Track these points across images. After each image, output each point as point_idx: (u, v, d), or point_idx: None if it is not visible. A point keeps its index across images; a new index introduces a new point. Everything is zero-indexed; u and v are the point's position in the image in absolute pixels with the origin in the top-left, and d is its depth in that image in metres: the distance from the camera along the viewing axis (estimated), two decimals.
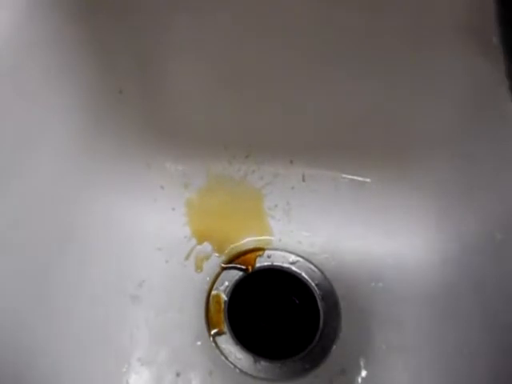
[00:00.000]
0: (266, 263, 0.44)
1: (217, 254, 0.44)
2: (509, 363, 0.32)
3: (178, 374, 0.38)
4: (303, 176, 0.48)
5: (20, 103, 0.32)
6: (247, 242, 0.45)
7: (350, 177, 0.47)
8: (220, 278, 0.43)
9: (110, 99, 0.41)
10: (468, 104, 0.39)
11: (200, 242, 0.45)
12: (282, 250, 0.44)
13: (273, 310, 0.42)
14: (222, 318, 0.41)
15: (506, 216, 0.36)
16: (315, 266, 0.43)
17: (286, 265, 0.44)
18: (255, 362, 0.39)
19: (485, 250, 0.37)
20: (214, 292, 0.42)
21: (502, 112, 0.36)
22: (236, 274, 0.43)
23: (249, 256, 0.44)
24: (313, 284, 0.43)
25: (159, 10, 0.37)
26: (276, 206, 0.47)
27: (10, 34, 0.30)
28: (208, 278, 0.42)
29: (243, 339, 0.40)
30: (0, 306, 0.29)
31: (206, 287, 0.42)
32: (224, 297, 0.42)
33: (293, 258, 0.44)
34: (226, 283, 0.42)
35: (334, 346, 0.40)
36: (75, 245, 0.39)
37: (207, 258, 0.44)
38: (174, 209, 0.46)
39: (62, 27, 0.34)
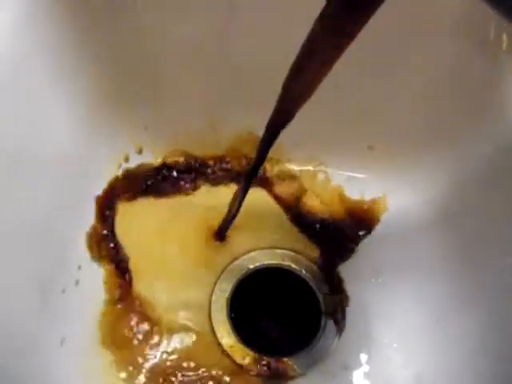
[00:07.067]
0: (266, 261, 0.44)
1: None
2: None
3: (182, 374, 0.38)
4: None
5: (20, 108, 0.32)
6: None
7: (346, 173, 0.48)
8: (221, 278, 0.43)
9: (109, 101, 0.40)
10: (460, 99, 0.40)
11: None
12: (280, 248, 0.45)
13: (275, 307, 0.42)
14: (224, 316, 0.41)
15: None
16: (314, 263, 0.44)
17: (286, 262, 0.44)
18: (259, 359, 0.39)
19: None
20: (216, 290, 0.42)
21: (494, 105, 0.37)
22: (237, 273, 0.43)
23: None
24: (313, 280, 0.43)
25: (158, 12, 0.37)
26: None
27: (9, 39, 0.30)
28: (211, 277, 0.42)
29: (246, 338, 0.40)
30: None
31: (209, 286, 0.42)
32: (226, 295, 0.42)
33: (291, 255, 0.44)
34: (228, 282, 0.42)
35: (337, 342, 0.40)
36: None
37: None
38: None
39: (62, 30, 0.34)
